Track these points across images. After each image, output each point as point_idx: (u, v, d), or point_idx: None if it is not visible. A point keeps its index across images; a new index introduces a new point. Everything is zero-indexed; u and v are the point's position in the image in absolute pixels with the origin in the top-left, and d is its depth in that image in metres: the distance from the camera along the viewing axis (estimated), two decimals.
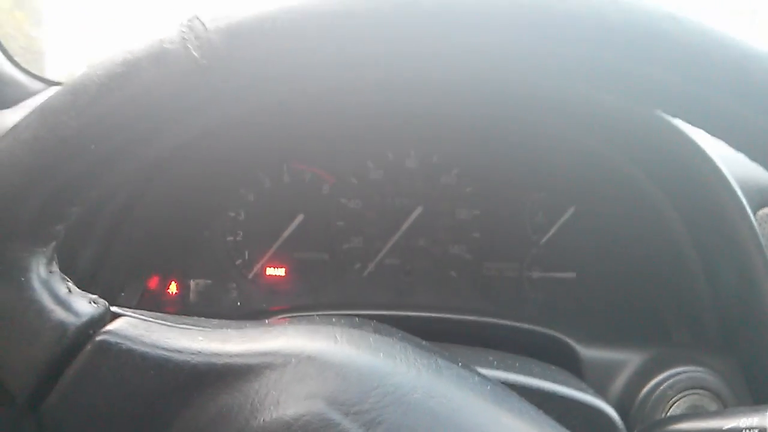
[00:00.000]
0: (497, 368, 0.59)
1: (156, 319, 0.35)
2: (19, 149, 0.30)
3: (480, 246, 0.94)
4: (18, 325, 0.32)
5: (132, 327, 0.34)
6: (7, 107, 0.83)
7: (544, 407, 0.37)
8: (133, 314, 0.35)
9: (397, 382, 0.32)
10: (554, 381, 0.60)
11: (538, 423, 0.35)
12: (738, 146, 0.33)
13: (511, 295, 0.94)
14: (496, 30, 0.30)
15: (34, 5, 1.23)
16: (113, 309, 0.35)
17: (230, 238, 0.94)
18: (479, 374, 0.37)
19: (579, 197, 0.91)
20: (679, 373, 0.69)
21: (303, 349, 0.33)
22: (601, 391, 0.66)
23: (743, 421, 0.48)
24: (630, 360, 0.74)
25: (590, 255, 0.91)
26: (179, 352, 0.33)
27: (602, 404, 0.59)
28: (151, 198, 0.80)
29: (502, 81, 0.67)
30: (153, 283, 0.90)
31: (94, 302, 0.35)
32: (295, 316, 0.43)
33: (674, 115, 0.34)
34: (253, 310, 0.92)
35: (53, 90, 0.93)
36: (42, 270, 0.33)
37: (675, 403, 0.68)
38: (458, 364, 0.37)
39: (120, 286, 0.81)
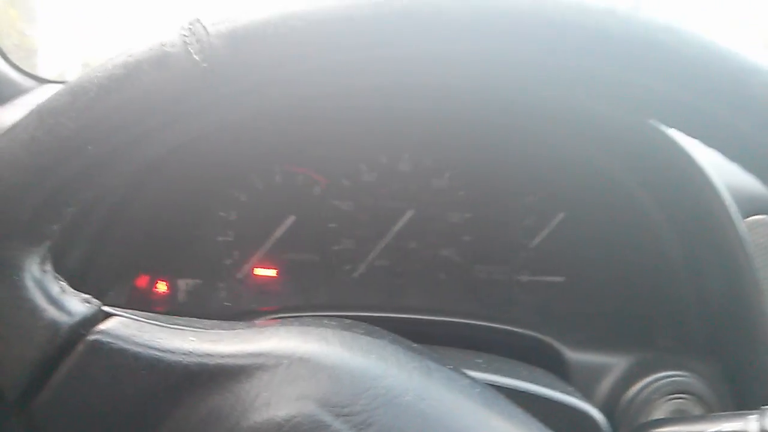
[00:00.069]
0: (485, 371, 0.59)
1: (148, 319, 0.35)
2: (17, 149, 0.30)
3: (470, 249, 0.95)
4: (10, 324, 0.32)
5: (124, 327, 0.34)
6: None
7: (530, 410, 0.37)
8: (125, 314, 0.35)
9: (388, 385, 0.32)
10: (541, 384, 0.60)
11: (527, 426, 0.35)
12: (733, 157, 0.33)
13: (501, 298, 0.95)
14: (492, 39, 0.30)
15: (27, 3, 1.22)
16: (106, 309, 0.35)
17: (220, 238, 0.94)
18: (469, 377, 0.38)
19: (569, 202, 0.92)
20: (664, 378, 0.70)
21: (295, 351, 0.34)
22: (587, 394, 0.67)
23: (727, 426, 0.48)
24: (616, 364, 0.74)
25: (579, 260, 0.92)
26: (171, 352, 0.33)
27: (588, 407, 0.60)
28: (141, 197, 0.80)
29: (497, 87, 0.68)
30: (142, 282, 0.90)
31: (87, 302, 0.35)
32: (285, 317, 0.43)
33: (670, 126, 0.34)
34: (242, 311, 0.92)
35: (46, 88, 0.93)
36: (35, 269, 0.33)
37: (660, 406, 0.69)
38: (448, 367, 0.37)
39: (109, 285, 0.81)
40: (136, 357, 0.33)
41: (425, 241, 0.95)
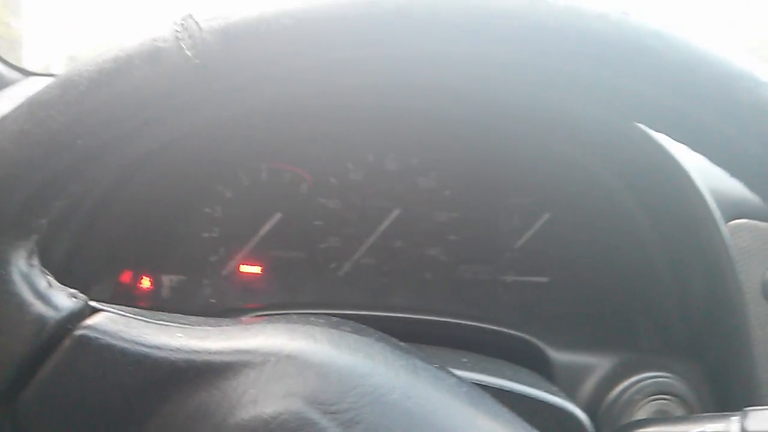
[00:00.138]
0: (471, 370, 0.59)
1: (135, 314, 0.35)
2: (5, 142, 0.30)
3: (456, 249, 0.95)
4: None
5: (111, 322, 0.34)
6: None
7: (515, 409, 0.38)
8: (112, 309, 0.35)
9: (375, 383, 0.32)
10: (526, 383, 0.61)
11: (512, 425, 0.36)
12: (718, 162, 0.34)
13: (485, 297, 0.95)
14: (483, 40, 0.30)
15: None
16: (93, 304, 0.35)
17: (206, 235, 0.94)
18: (455, 376, 0.38)
19: (554, 203, 0.93)
20: (647, 378, 0.71)
21: (282, 348, 0.34)
22: (571, 394, 0.68)
23: (709, 427, 0.49)
24: (599, 364, 0.75)
25: (564, 261, 0.93)
26: (158, 348, 0.33)
27: (572, 407, 0.60)
28: (127, 192, 0.79)
29: (486, 89, 0.68)
30: (126, 277, 0.90)
31: (74, 296, 0.35)
32: (271, 314, 0.43)
33: (656, 130, 0.35)
34: (227, 308, 0.92)
35: (31, 80, 0.92)
36: (22, 263, 0.33)
37: (642, 407, 0.70)
38: (435, 366, 0.37)
39: (94, 280, 0.80)
40: (123, 353, 0.33)
41: (411, 240, 0.95)
